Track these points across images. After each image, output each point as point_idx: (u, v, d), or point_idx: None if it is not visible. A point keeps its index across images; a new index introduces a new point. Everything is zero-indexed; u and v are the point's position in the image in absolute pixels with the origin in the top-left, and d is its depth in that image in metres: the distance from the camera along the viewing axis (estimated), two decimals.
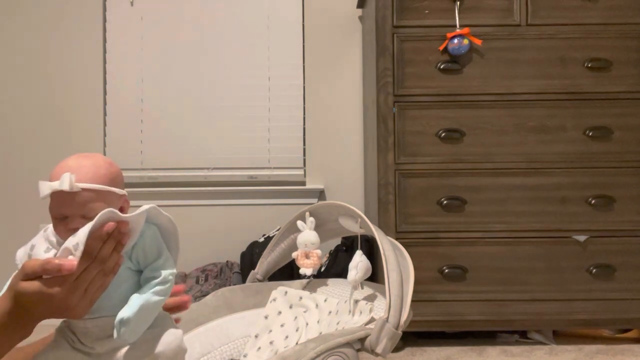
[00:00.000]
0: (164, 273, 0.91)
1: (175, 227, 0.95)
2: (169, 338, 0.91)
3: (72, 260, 0.81)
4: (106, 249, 0.84)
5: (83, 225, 0.84)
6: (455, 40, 2.03)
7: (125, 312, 0.85)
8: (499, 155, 2.07)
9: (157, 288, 0.89)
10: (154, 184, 2.68)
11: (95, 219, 0.83)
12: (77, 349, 0.89)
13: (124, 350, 0.88)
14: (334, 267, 2.23)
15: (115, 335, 0.84)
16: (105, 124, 2.72)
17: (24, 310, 0.82)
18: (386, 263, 0.99)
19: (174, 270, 0.93)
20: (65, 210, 0.87)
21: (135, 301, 0.87)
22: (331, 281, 1.30)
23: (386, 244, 1.03)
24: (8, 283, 0.86)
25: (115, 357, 0.88)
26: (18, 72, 2.70)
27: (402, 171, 2.06)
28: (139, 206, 0.92)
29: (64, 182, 0.83)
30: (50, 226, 0.91)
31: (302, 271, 1.21)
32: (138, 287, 0.91)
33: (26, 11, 2.71)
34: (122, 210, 0.91)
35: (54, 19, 2.71)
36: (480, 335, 2.15)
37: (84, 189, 0.85)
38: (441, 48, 2.06)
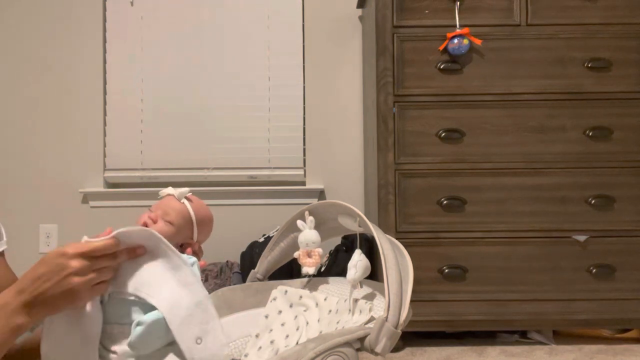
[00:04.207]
0: None
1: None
2: None
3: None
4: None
5: (156, 220, 1.01)
6: (455, 40, 2.03)
7: (144, 317, 0.89)
8: (499, 155, 2.07)
9: None
10: (154, 184, 2.68)
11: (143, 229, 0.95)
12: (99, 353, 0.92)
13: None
14: (334, 267, 2.23)
15: (129, 338, 0.88)
16: (105, 124, 2.72)
17: (32, 280, 0.86)
18: (385, 262, 0.99)
19: None
20: (160, 205, 1.05)
21: (158, 313, 0.90)
22: (331, 280, 1.30)
23: (385, 243, 1.03)
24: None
25: None
26: (18, 72, 2.71)
27: (402, 171, 2.06)
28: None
29: (177, 190, 1.07)
30: None
31: (304, 270, 1.21)
32: None
33: (26, 11, 2.71)
34: (182, 246, 1.05)
35: (54, 19, 2.71)
36: (480, 335, 2.15)
37: (182, 202, 1.06)
38: (441, 48, 2.06)
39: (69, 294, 0.86)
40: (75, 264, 0.86)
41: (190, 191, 1.09)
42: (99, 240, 0.89)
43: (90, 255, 0.88)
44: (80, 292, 0.87)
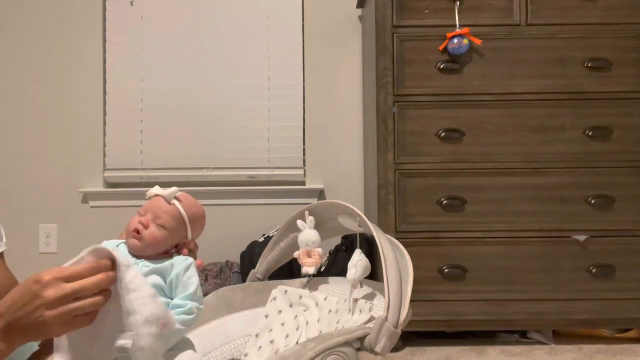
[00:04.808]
0: (191, 305, 0.95)
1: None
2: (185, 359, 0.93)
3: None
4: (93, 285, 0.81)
5: (148, 225, 0.98)
6: (455, 40, 2.03)
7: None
8: (499, 155, 2.07)
9: (182, 317, 0.93)
10: (154, 184, 2.66)
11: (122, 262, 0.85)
12: None
13: None
14: (334, 267, 2.23)
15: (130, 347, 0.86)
16: (105, 124, 2.72)
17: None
18: (385, 262, 0.99)
19: (201, 306, 0.98)
20: (149, 208, 1.01)
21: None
22: (331, 280, 1.30)
23: (385, 243, 1.03)
24: None
25: None
26: (18, 72, 2.71)
27: (402, 171, 2.06)
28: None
29: (167, 191, 1.04)
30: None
31: (304, 270, 1.21)
32: None
33: (27, 11, 2.71)
34: (177, 247, 1.02)
35: (54, 19, 2.71)
36: (480, 335, 2.15)
37: (172, 204, 1.03)
38: (441, 48, 2.06)
39: (40, 327, 0.77)
40: (50, 293, 0.76)
41: (179, 191, 1.05)
42: (79, 266, 0.80)
43: (69, 281, 0.78)
44: (53, 326, 0.77)
